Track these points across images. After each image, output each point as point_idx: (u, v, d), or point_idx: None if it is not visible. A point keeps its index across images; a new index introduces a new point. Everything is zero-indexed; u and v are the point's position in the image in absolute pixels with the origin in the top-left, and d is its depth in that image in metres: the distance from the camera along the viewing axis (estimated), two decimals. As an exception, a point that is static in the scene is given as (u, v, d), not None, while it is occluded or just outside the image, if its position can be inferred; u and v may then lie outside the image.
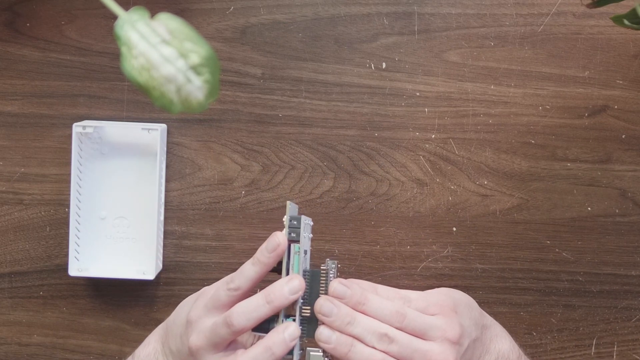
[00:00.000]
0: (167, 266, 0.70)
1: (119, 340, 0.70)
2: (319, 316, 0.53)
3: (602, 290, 0.69)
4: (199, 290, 0.70)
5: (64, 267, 0.69)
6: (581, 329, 0.69)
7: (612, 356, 0.69)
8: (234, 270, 0.70)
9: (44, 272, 0.70)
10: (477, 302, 0.69)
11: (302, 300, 0.53)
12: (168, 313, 0.70)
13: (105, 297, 0.70)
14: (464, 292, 0.69)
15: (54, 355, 0.70)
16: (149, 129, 0.67)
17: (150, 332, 0.70)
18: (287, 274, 0.53)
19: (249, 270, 0.54)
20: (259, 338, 0.54)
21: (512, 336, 0.69)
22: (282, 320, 0.53)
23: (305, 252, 0.55)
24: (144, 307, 0.70)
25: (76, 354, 0.70)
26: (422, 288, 0.69)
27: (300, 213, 0.55)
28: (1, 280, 0.70)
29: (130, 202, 0.69)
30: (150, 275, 0.67)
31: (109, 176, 0.69)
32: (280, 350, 0.51)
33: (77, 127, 0.67)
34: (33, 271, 0.70)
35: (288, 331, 0.52)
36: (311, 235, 0.57)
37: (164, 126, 0.69)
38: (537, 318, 0.69)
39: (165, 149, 0.69)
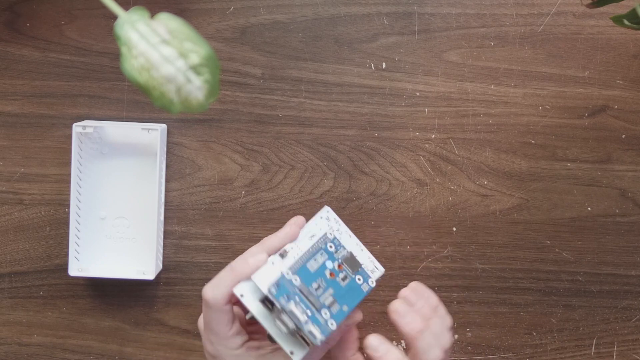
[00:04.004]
0: (167, 266, 0.70)
1: (119, 340, 0.70)
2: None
3: (602, 290, 0.69)
4: (199, 289, 0.70)
5: (64, 267, 0.69)
6: (581, 329, 0.69)
7: (612, 356, 0.69)
8: (234, 270, 0.70)
9: (44, 272, 0.70)
10: (477, 302, 0.69)
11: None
12: (168, 313, 0.70)
13: (105, 297, 0.70)
14: (464, 292, 0.69)
15: (54, 355, 0.70)
16: (149, 129, 0.67)
17: (150, 332, 0.70)
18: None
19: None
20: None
21: (512, 336, 0.69)
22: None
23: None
24: (144, 307, 0.70)
25: (76, 354, 0.70)
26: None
27: (303, 214, 0.57)
28: (1, 280, 0.70)
29: (130, 202, 0.69)
30: (150, 275, 0.67)
31: (109, 176, 0.69)
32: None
33: (77, 127, 0.67)
34: (33, 271, 0.70)
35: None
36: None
37: (164, 126, 0.69)
38: (537, 318, 0.69)
39: (165, 149, 0.69)
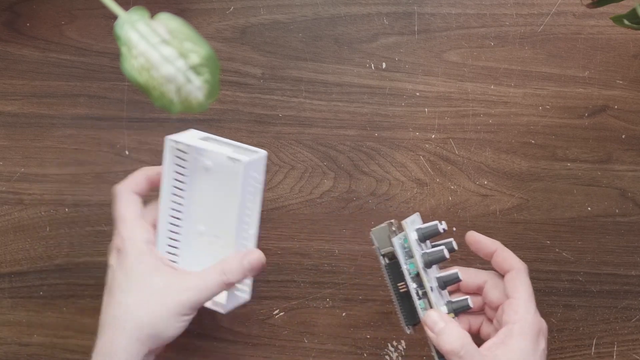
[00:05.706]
0: (167, 266, 0.70)
1: (119, 340, 0.70)
2: None
3: (602, 290, 0.69)
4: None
5: (64, 267, 0.69)
6: (581, 329, 0.69)
7: (612, 356, 0.69)
8: (234, 270, 0.69)
9: (44, 272, 0.70)
10: (477, 302, 0.69)
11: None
12: (168, 313, 0.70)
13: (105, 297, 0.70)
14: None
15: (54, 355, 0.70)
16: (234, 159, 0.60)
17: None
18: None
19: None
20: None
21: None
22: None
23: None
24: (144, 307, 0.70)
25: (76, 354, 0.70)
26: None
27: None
28: (1, 280, 0.70)
29: None
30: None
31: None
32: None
33: (169, 142, 0.60)
34: (33, 271, 0.70)
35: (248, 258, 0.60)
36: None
37: (263, 153, 0.62)
38: (537, 318, 0.69)
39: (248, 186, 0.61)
